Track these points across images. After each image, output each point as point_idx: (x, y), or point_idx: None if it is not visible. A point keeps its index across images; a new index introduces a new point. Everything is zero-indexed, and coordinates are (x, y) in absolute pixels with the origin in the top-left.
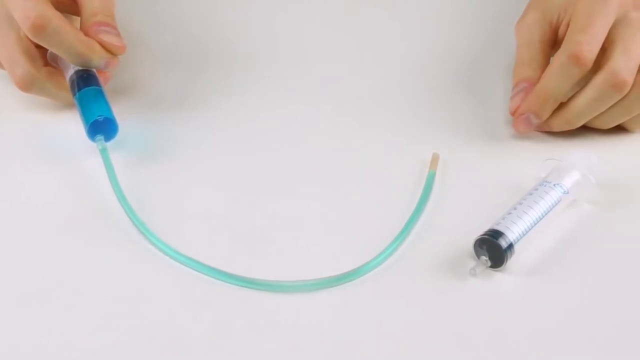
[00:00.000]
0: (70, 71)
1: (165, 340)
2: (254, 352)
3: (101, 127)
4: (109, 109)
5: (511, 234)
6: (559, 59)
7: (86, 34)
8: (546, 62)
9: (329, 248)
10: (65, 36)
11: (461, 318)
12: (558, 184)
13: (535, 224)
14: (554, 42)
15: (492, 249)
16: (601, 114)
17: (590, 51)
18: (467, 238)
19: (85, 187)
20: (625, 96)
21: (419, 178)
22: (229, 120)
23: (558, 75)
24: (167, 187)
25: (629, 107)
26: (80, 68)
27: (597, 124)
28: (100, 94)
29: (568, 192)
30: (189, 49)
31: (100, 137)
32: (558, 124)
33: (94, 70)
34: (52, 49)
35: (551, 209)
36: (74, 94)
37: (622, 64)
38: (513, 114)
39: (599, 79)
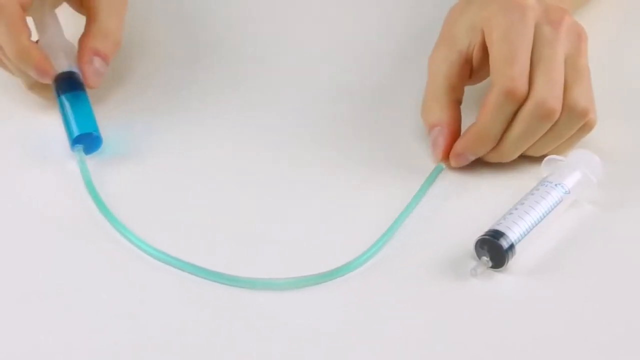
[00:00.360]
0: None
1: (151, 339)
2: (240, 349)
3: (85, 138)
4: (94, 123)
5: (512, 234)
6: (493, 97)
7: (81, 48)
8: (454, 98)
9: (318, 245)
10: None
11: (461, 318)
12: (559, 184)
13: (536, 224)
14: (467, 71)
15: (493, 249)
16: (534, 144)
17: (523, 84)
18: (468, 238)
19: (67, 189)
20: (555, 123)
21: (418, 176)
22: (216, 119)
23: (494, 114)
24: (151, 186)
25: (559, 132)
26: (64, 71)
27: (531, 153)
28: (85, 102)
29: (569, 192)
30: (176, 48)
31: (79, 147)
32: (493, 158)
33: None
34: None
35: (552, 209)
36: (57, 95)
37: (547, 92)
38: (444, 159)
39: (526, 111)
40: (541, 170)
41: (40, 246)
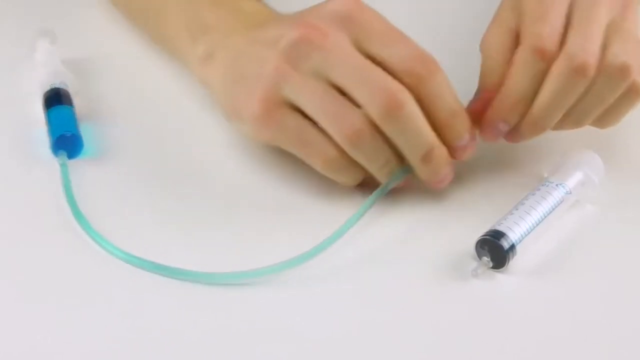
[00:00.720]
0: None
1: (106, 335)
2: (198, 344)
3: (66, 143)
4: (75, 126)
5: (513, 235)
6: (521, 55)
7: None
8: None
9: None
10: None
11: (462, 319)
12: (561, 184)
13: (537, 225)
14: None
15: (494, 249)
16: (572, 110)
17: (553, 42)
18: (469, 238)
19: (49, 192)
20: (593, 83)
21: None
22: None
23: (523, 73)
24: (128, 186)
25: (598, 95)
26: (53, 87)
27: (571, 123)
28: (70, 112)
29: (571, 193)
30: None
31: (62, 152)
32: (527, 131)
33: (66, 90)
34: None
35: (553, 210)
36: (45, 110)
37: (578, 46)
38: (474, 118)
39: (556, 67)
40: (542, 170)
41: (10, 246)
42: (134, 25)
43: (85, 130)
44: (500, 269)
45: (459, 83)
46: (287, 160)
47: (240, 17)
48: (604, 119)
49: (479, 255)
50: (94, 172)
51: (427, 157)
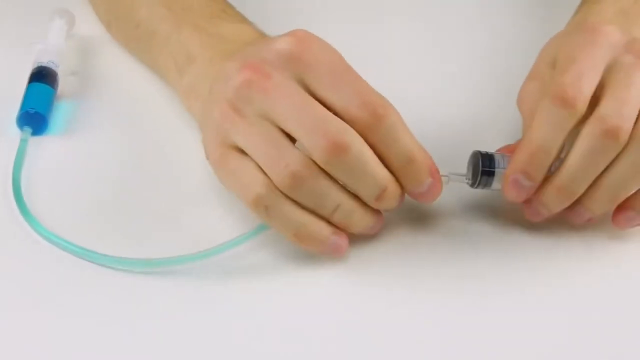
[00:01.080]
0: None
1: (43, 323)
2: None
3: (32, 120)
4: (47, 108)
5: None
6: (541, 104)
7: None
8: None
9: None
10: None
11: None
12: None
13: None
14: None
15: (476, 167)
16: (604, 180)
17: (577, 90)
18: None
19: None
20: (626, 151)
21: None
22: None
23: (541, 122)
24: (70, 166)
25: (634, 164)
26: (40, 65)
27: (605, 197)
28: (49, 93)
29: None
30: None
31: (27, 128)
32: (551, 196)
33: (53, 69)
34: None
35: None
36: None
37: (612, 108)
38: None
39: (587, 129)
40: None
41: None
42: (130, 53)
43: (68, 109)
44: (476, 187)
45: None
46: None
47: (219, 44)
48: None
49: (468, 168)
50: (55, 151)
51: (381, 197)
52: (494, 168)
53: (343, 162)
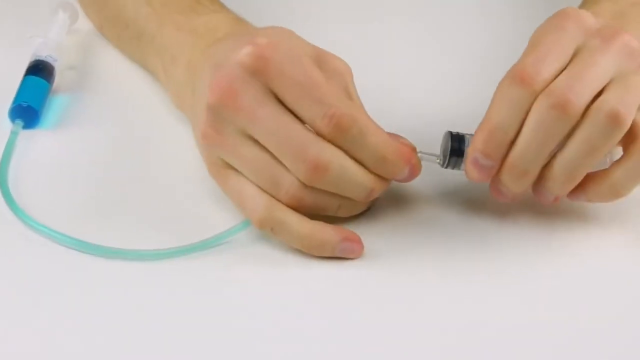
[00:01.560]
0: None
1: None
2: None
3: (25, 113)
4: (40, 102)
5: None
6: (500, 84)
7: None
8: None
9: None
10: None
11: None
12: None
13: None
14: None
15: (447, 149)
16: (559, 157)
17: (535, 70)
18: None
19: None
20: (578, 127)
21: None
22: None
23: (501, 101)
24: (59, 161)
25: (587, 141)
26: (37, 59)
27: (562, 174)
28: (43, 86)
29: None
30: None
31: (20, 122)
32: (507, 176)
33: (50, 63)
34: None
35: None
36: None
37: (561, 83)
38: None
39: (536, 104)
40: None
41: None
42: (123, 54)
43: (63, 104)
44: (446, 167)
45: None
46: None
47: (195, 41)
48: (615, 184)
49: (443, 146)
50: (45, 145)
51: (370, 196)
52: (463, 149)
53: (327, 180)
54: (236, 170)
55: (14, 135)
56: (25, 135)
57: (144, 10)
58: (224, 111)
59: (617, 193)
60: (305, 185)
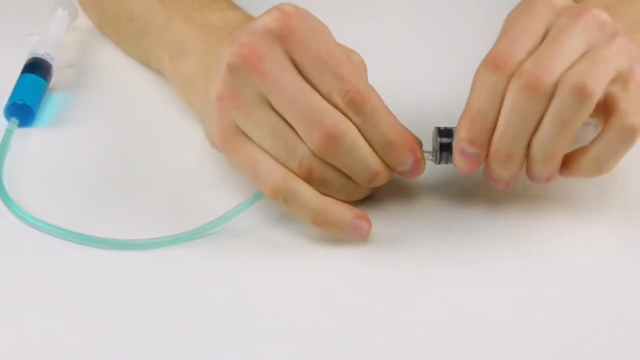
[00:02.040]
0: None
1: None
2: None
3: (20, 111)
4: (35, 100)
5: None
6: (477, 72)
7: None
8: None
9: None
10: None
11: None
12: None
13: None
14: None
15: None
16: (537, 136)
17: (507, 54)
18: None
19: None
20: (551, 101)
21: None
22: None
23: (479, 88)
24: (54, 158)
25: (559, 116)
26: (34, 57)
27: (541, 153)
28: (40, 84)
29: None
30: None
31: (15, 120)
32: (493, 161)
33: (47, 61)
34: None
35: None
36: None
37: (531, 63)
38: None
39: (510, 84)
40: None
41: None
42: (121, 49)
43: (60, 102)
44: (439, 163)
45: None
46: None
47: (210, 35)
48: (595, 160)
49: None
50: (40, 143)
51: (373, 181)
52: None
53: (337, 153)
54: (249, 138)
55: (8, 133)
56: (21, 133)
57: (152, 5)
58: (245, 73)
59: (599, 168)
60: (315, 157)
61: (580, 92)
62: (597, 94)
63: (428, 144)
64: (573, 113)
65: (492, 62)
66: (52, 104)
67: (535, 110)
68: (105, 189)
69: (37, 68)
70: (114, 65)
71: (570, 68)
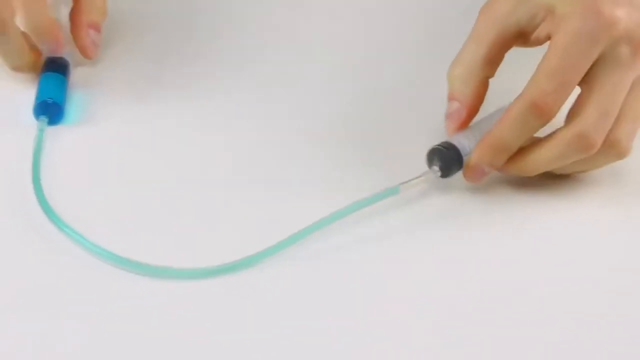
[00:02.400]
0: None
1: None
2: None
3: (49, 109)
4: (62, 97)
5: (461, 147)
6: (517, 106)
7: (75, 23)
8: (487, 74)
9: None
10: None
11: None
12: None
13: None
14: (517, 43)
15: (443, 159)
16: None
17: (556, 101)
18: None
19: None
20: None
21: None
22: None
23: (515, 124)
24: (89, 158)
25: (592, 163)
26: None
27: (554, 171)
28: (63, 82)
29: None
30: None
31: (44, 118)
32: (512, 171)
33: (67, 59)
34: None
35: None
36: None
37: (592, 125)
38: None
39: (565, 137)
40: None
41: None
42: None
43: (82, 99)
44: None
45: None
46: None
47: None
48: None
49: (429, 165)
50: (72, 141)
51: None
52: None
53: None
54: None
55: (41, 132)
56: (49, 131)
57: None
58: None
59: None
60: None
61: (620, 154)
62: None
63: (428, 144)
64: (605, 162)
65: (538, 107)
66: (74, 102)
67: (578, 159)
68: (143, 197)
69: (57, 66)
70: (131, 61)
71: (617, 123)
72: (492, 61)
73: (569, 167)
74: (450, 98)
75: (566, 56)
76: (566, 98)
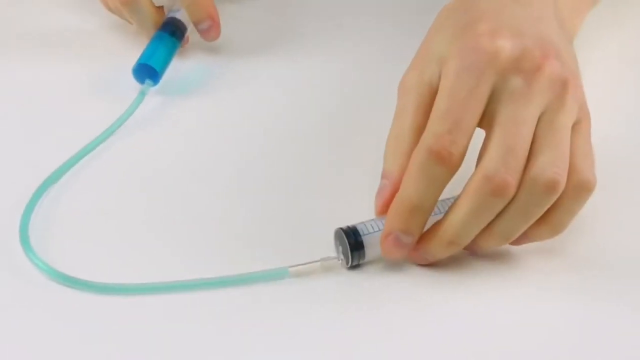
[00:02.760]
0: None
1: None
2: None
3: (147, 73)
4: (159, 60)
5: (364, 229)
6: (416, 157)
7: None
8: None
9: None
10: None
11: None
12: None
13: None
14: None
15: (344, 244)
16: (493, 226)
17: (453, 142)
18: None
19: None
20: (515, 199)
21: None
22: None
23: (418, 177)
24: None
25: (524, 211)
26: (170, 15)
27: (497, 240)
28: (170, 44)
29: None
30: None
31: (149, 82)
32: (437, 249)
33: (182, 21)
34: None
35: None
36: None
37: (498, 162)
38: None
39: (473, 184)
40: None
41: None
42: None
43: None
44: (351, 267)
45: None
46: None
47: None
48: (533, 233)
49: (337, 248)
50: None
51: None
52: (361, 240)
53: None
54: None
55: (141, 95)
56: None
57: None
58: None
59: (558, 229)
60: None
61: (552, 189)
62: (565, 181)
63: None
64: (542, 207)
65: (435, 153)
66: (180, 71)
67: (501, 207)
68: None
69: (171, 28)
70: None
71: (533, 155)
72: (420, 128)
73: (506, 224)
74: (382, 176)
75: (452, 95)
76: (466, 139)
